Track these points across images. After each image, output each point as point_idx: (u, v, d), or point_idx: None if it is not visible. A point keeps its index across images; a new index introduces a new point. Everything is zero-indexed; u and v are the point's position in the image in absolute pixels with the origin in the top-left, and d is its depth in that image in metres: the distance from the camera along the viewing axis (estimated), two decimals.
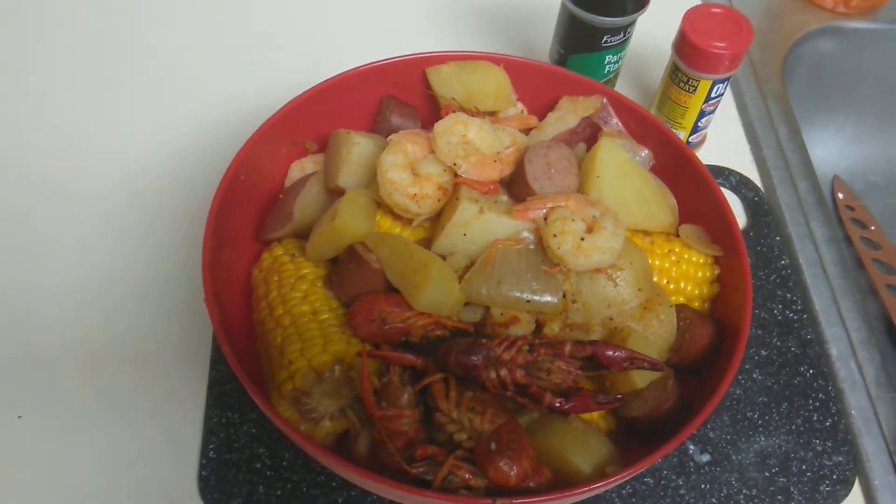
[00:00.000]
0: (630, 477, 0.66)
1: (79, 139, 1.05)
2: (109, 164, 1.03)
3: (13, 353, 0.87)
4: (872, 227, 1.22)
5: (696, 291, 0.81)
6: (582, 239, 0.73)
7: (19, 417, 0.83)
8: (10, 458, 0.81)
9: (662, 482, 0.82)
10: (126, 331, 0.89)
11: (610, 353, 0.69)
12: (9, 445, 0.82)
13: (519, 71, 0.90)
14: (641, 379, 0.72)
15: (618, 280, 0.74)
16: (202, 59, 1.16)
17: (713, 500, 0.82)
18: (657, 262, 0.80)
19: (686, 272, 0.81)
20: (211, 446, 0.81)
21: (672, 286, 0.81)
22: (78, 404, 0.84)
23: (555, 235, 0.73)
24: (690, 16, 0.95)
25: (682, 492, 0.82)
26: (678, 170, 0.84)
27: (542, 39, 1.09)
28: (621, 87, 1.06)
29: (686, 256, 0.81)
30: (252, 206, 0.85)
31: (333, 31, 1.20)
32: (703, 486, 0.82)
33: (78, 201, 0.99)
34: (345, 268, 0.76)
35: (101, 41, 1.17)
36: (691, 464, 0.84)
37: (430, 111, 0.91)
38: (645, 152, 0.86)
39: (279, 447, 0.81)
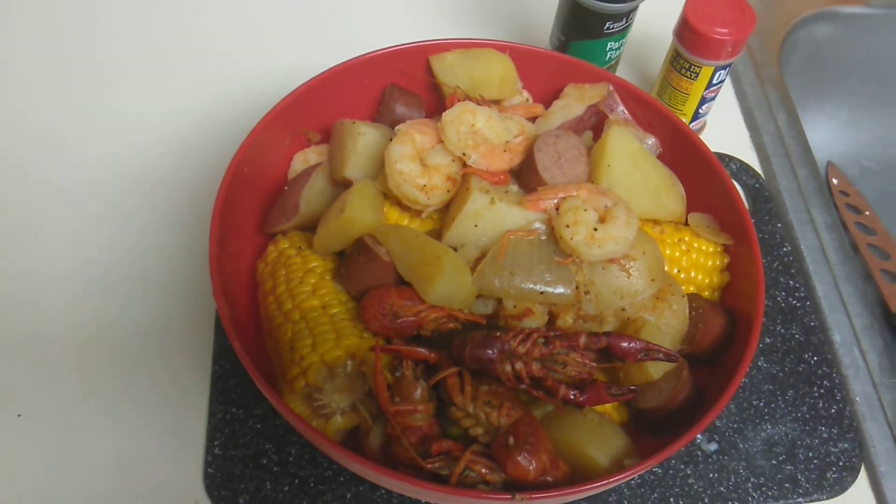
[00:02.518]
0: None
1: (78, 131, 1.03)
2: (109, 157, 1.00)
3: (15, 353, 0.85)
4: (867, 213, 1.22)
5: (707, 280, 0.81)
6: (595, 229, 0.72)
7: (19, 416, 0.81)
8: (10, 457, 0.79)
9: (671, 471, 0.82)
10: (126, 327, 0.87)
11: (625, 344, 0.69)
12: (9, 444, 0.80)
13: (523, 58, 0.88)
14: (656, 370, 0.72)
15: (631, 270, 0.73)
16: (202, 49, 1.13)
17: (721, 488, 0.82)
18: (667, 252, 0.80)
19: (696, 261, 0.80)
20: (216, 443, 0.80)
21: (682, 275, 0.80)
22: (80, 402, 0.83)
23: (567, 226, 0.72)
24: (692, 1, 0.94)
25: (690, 481, 0.82)
26: (686, 158, 0.83)
27: (542, 26, 1.08)
28: (621, 74, 1.05)
29: (696, 245, 0.81)
30: (255, 199, 0.83)
31: (330, 21, 1.18)
32: (711, 474, 0.82)
33: (76, 194, 0.97)
34: (354, 261, 0.75)
35: (100, 30, 1.14)
36: (699, 452, 0.84)
37: (433, 100, 0.90)
38: (652, 140, 0.85)
39: (285, 442, 0.80)
